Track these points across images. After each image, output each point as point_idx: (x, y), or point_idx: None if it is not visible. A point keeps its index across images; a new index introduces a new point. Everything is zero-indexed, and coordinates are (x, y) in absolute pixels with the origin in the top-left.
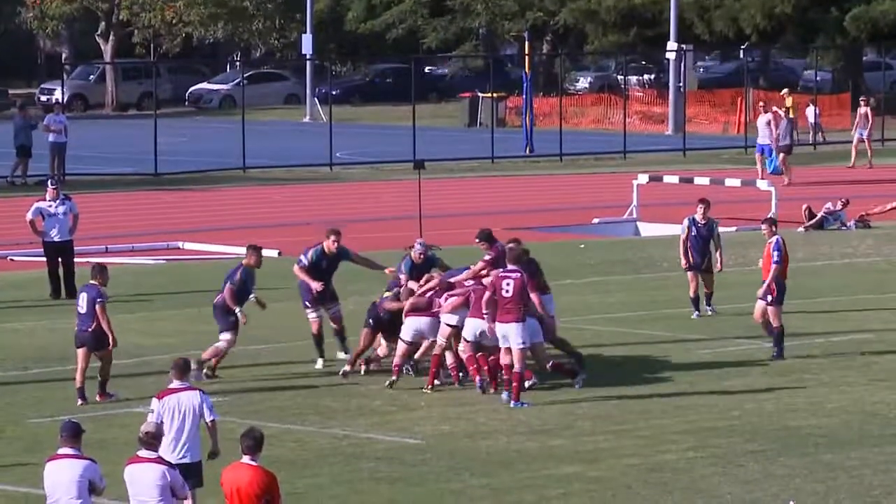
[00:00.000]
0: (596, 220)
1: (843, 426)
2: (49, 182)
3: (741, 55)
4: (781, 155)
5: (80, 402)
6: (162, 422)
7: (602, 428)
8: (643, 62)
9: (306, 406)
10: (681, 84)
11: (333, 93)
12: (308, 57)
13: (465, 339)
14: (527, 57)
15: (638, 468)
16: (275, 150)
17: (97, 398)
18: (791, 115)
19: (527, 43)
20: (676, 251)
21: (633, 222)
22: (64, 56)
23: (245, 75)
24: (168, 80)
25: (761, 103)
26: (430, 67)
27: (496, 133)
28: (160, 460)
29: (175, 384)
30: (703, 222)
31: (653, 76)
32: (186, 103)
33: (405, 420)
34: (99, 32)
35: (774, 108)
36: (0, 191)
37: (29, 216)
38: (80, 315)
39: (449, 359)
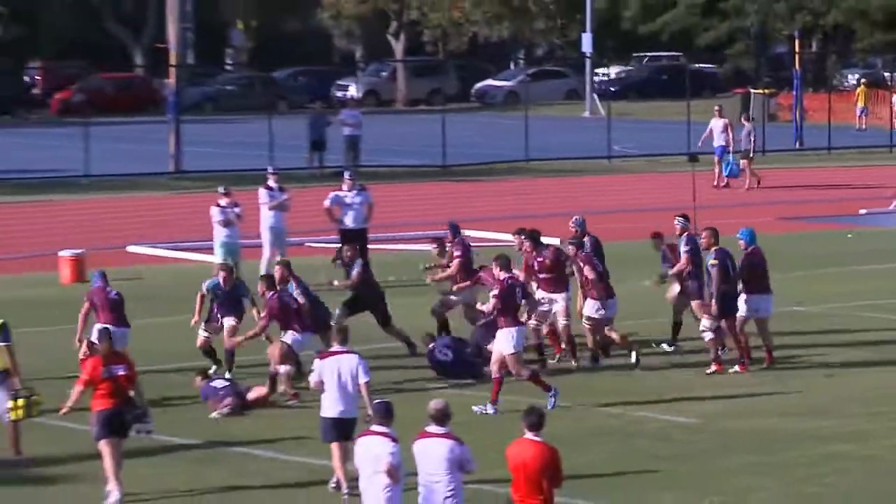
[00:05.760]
0: (863, 211)
1: None
2: (345, 174)
3: None
4: (741, 160)
5: None
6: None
7: (874, 409)
8: None
9: (582, 386)
10: None
11: (612, 89)
12: (588, 55)
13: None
14: (797, 55)
15: None
16: (556, 143)
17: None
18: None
19: (797, 41)
20: None
21: None
22: (358, 54)
23: (528, 72)
24: (455, 77)
25: (716, 107)
26: (702, 65)
27: (767, 127)
28: (449, 435)
29: (336, 347)
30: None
31: None
32: (472, 99)
33: (678, 399)
34: (390, 32)
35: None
36: (298, 181)
37: (326, 204)
38: None
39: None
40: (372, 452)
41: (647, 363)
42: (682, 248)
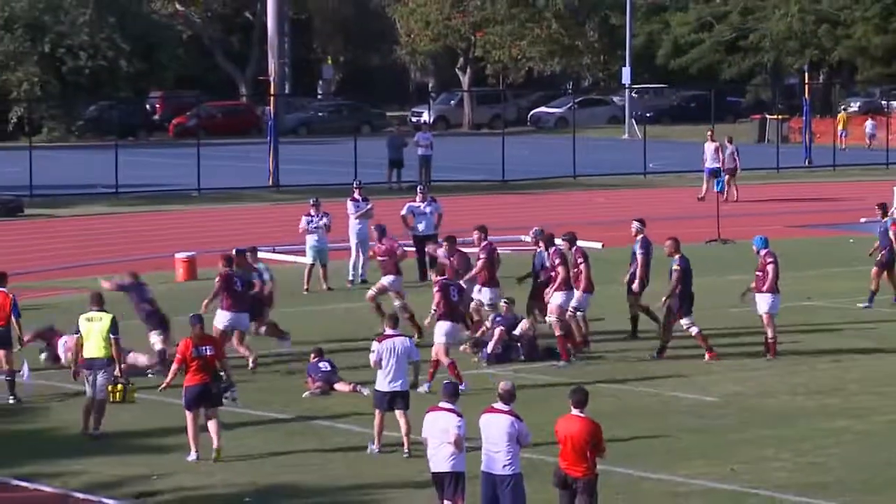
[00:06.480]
0: (863, 220)
1: None
2: (418, 187)
3: None
4: (727, 176)
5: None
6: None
7: (873, 390)
8: None
9: (625, 370)
10: None
11: (647, 115)
12: (627, 86)
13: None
14: (806, 86)
15: None
16: (599, 161)
17: None
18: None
19: (806, 74)
20: None
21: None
22: (430, 85)
23: (576, 101)
24: (514, 105)
25: (709, 131)
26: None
27: (781, 148)
28: (510, 412)
29: (389, 332)
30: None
31: None
32: (528, 123)
33: (704, 381)
34: (458, 66)
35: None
36: (380, 194)
37: (403, 212)
38: None
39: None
40: (440, 426)
41: (676, 351)
42: (637, 250)
